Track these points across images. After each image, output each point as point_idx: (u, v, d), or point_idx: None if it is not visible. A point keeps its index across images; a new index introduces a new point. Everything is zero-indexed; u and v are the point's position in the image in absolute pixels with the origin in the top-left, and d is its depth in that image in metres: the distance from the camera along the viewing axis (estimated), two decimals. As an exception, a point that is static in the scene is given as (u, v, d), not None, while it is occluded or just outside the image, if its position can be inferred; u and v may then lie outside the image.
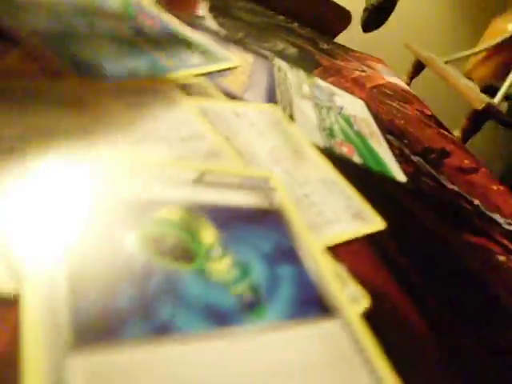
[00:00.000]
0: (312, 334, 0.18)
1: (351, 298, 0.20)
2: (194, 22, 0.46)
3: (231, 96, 0.33)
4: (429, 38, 1.31)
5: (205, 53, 0.36)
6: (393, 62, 0.84)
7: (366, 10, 1.02)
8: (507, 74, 0.94)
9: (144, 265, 0.17)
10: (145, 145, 0.22)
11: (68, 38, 0.27)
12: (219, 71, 0.35)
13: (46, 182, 0.18)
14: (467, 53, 1.05)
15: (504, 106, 0.89)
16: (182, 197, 0.21)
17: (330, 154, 0.32)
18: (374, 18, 1.03)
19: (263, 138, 0.27)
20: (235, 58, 0.39)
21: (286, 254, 0.21)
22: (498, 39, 0.99)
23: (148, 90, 0.26)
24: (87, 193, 0.19)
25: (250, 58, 0.42)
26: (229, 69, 0.36)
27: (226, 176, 0.23)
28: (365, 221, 0.25)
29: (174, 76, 0.30)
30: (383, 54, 0.94)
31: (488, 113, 0.88)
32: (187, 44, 0.36)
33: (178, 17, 0.44)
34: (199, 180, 0.22)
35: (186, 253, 0.19)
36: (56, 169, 0.19)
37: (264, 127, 0.29)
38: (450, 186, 0.40)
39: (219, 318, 0.17)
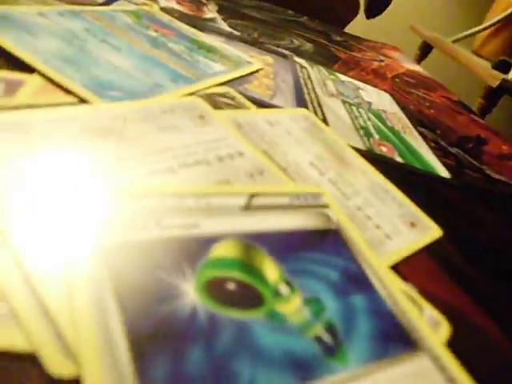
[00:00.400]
0: (402, 374, 0.16)
1: (431, 323, 0.18)
2: (205, 25, 0.44)
3: (259, 103, 0.30)
4: (433, 19, 1.28)
5: (224, 58, 0.33)
6: (399, 47, 0.81)
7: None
8: (518, 48, 0.91)
9: (209, 319, 0.15)
10: (183, 171, 0.20)
11: (84, 60, 0.25)
12: (242, 77, 0.32)
13: (85, 217, 0.16)
14: (475, 30, 1.01)
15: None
16: (235, 227, 0.18)
17: (371, 156, 0.29)
18: (377, 4, 1.00)
19: (303, 147, 0.25)
20: (255, 60, 0.36)
21: (355, 279, 0.18)
22: (506, 13, 0.96)
23: (176, 107, 0.24)
24: (130, 234, 0.17)
25: (269, 59, 0.39)
26: (251, 73, 0.34)
27: (276, 197, 0.20)
28: (421, 229, 0.23)
29: (198, 87, 0.28)
30: (388, 39, 0.91)
31: (503, 89, 0.85)
32: (205, 51, 0.33)
33: (188, 21, 0.42)
34: (248, 205, 0.19)
35: (253, 296, 0.16)
36: (94, 202, 0.17)
37: (301, 134, 0.26)
38: (496, 176, 0.37)
39: (302, 369, 0.14)
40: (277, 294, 0.17)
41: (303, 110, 0.30)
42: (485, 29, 1.01)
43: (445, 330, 0.18)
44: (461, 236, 0.26)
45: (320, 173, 0.23)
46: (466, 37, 1.03)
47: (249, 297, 0.16)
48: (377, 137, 0.34)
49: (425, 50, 1.10)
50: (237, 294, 0.16)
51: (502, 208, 0.32)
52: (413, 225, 0.22)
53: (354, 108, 0.38)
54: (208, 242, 0.17)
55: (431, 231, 0.22)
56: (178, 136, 0.21)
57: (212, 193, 0.19)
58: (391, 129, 0.37)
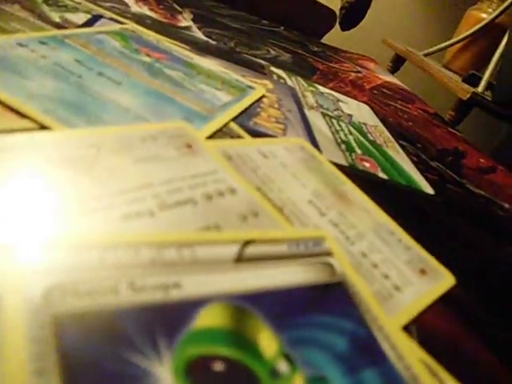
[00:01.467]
0: None
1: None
2: (181, 34, 0.39)
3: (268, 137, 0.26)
4: (406, 34, 1.25)
5: (226, 85, 0.29)
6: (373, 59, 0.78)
7: (342, 8, 0.95)
8: (486, 63, 0.88)
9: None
10: (164, 214, 0.16)
11: (90, 103, 0.20)
12: (251, 106, 0.28)
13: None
14: (445, 44, 0.99)
15: (488, 94, 0.84)
16: (225, 286, 0.14)
17: (355, 174, 0.26)
18: (351, 17, 0.97)
19: (300, 182, 0.21)
20: (257, 85, 0.32)
21: (365, 348, 0.14)
22: (474, 29, 0.93)
23: (159, 134, 0.19)
24: (91, 299, 0.12)
25: (268, 83, 0.35)
26: (257, 100, 0.29)
27: (272, 244, 0.16)
28: (432, 277, 0.19)
29: (216, 126, 0.23)
30: (361, 51, 0.87)
31: (474, 102, 0.83)
32: (205, 77, 0.28)
33: (162, 29, 0.37)
34: (241, 256, 0.15)
35: (246, 378, 0.12)
36: (48, 254, 0.13)
37: (297, 167, 0.22)
38: (476, 191, 0.35)
39: None
40: (274, 373, 0.13)
41: (299, 140, 0.26)
42: (454, 43, 0.98)
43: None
44: (467, 276, 0.22)
45: (320, 213, 0.19)
46: (437, 51, 1.01)
47: (241, 380, 0.12)
48: (359, 151, 0.30)
49: (397, 62, 1.07)
50: (226, 377, 0.12)
51: (486, 226, 0.30)
52: (423, 272, 0.18)
53: (334, 121, 0.34)
54: (191, 307, 0.13)
55: (442, 278, 0.18)
56: (160, 169, 0.17)
57: (198, 241, 0.15)
58: (373, 143, 0.34)
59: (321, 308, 0.15)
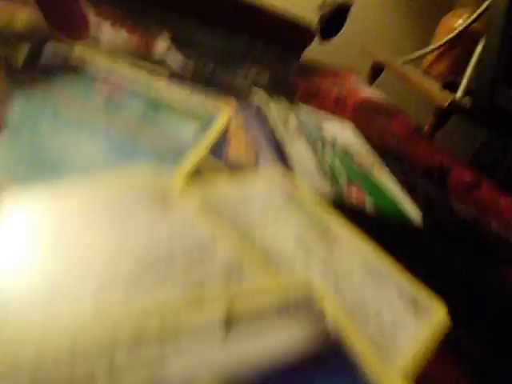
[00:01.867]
0: None
1: None
2: (155, 60, 0.38)
3: (244, 169, 0.25)
4: (383, 42, 1.26)
5: (190, 114, 0.27)
6: (352, 67, 0.78)
7: (321, 18, 0.95)
8: (463, 69, 0.89)
9: None
10: (143, 280, 0.15)
11: (49, 163, 0.18)
12: (218, 136, 0.26)
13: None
14: (423, 52, 0.99)
15: (466, 101, 0.84)
16: (214, 362, 0.13)
17: (341, 207, 0.25)
18: (331, 27, 0.97)
19: (283, 225, 0.20)
20: (221, 107, 0.30)
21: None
22: (450, 36, 0.94)
23: (129, 187, 0.18)
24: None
25: (230, 101, 0.33)
26: (224, 127, 0.28)
27: (260, 306, 0.15)
28: (425, 313, 0.18)
29: (188, 166, 0.21)
30: (341, 59, 0.88)
31: (452, 109, 0.83)
32: (169, 109, 0.27)
33: (133, 59, 0.36)
34: (229, 323, 0.14)
35: None
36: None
37: (278, 209, 0.21)
38: (464, 211, 0.34)
39: None
40: None
41: (276, 172, 0.25)
42: (431, 51, 0.99)
43: None
44: (457, 306, 0.21)
45: (306, 257, 0.18)
46: (415, 59, 1.01)
47: None
48: (345, 178, 0.29)
49: (376, 71, 1.08)
50: None
51: (477, 251, 0.29)
52: (416, 309, 0.17)
53: (318, 146, 0.33)
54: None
55: (434, 314, 0.18)
56: (134, 229, 0.16)
57: (181, 311, 0.14)
58: (359, 167, 0.33)
59: (316, 372, 0.14)
